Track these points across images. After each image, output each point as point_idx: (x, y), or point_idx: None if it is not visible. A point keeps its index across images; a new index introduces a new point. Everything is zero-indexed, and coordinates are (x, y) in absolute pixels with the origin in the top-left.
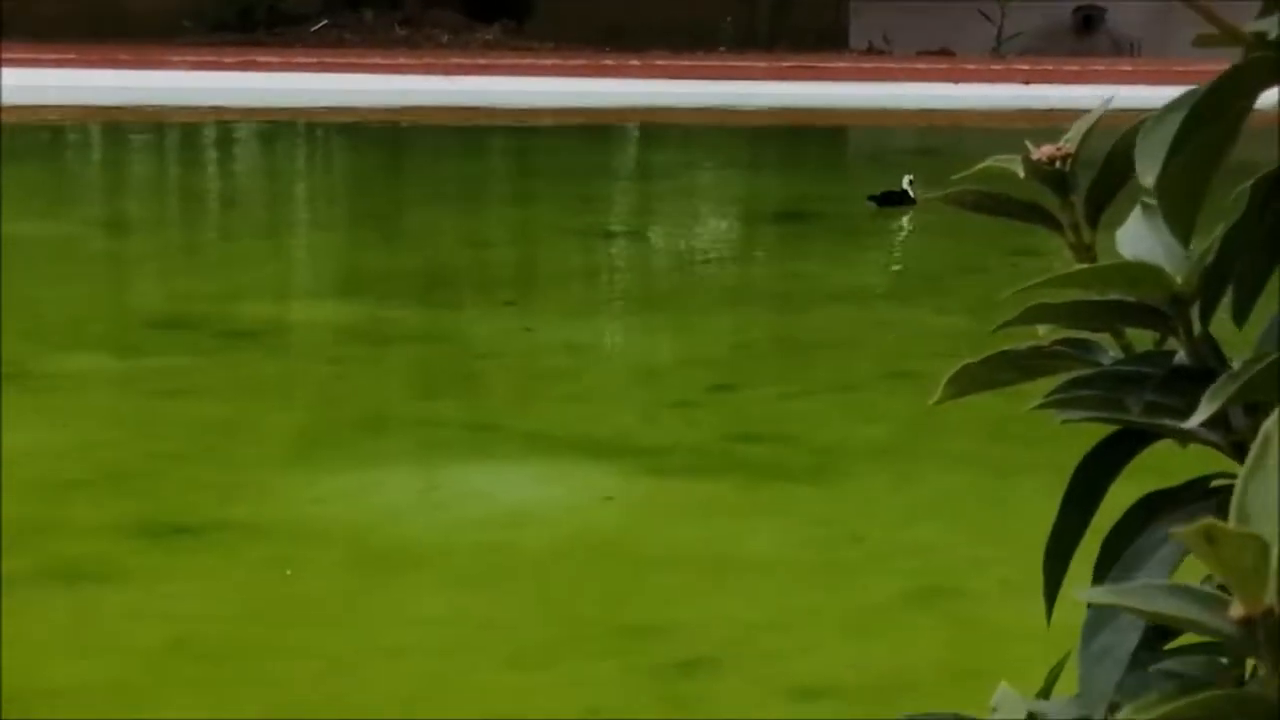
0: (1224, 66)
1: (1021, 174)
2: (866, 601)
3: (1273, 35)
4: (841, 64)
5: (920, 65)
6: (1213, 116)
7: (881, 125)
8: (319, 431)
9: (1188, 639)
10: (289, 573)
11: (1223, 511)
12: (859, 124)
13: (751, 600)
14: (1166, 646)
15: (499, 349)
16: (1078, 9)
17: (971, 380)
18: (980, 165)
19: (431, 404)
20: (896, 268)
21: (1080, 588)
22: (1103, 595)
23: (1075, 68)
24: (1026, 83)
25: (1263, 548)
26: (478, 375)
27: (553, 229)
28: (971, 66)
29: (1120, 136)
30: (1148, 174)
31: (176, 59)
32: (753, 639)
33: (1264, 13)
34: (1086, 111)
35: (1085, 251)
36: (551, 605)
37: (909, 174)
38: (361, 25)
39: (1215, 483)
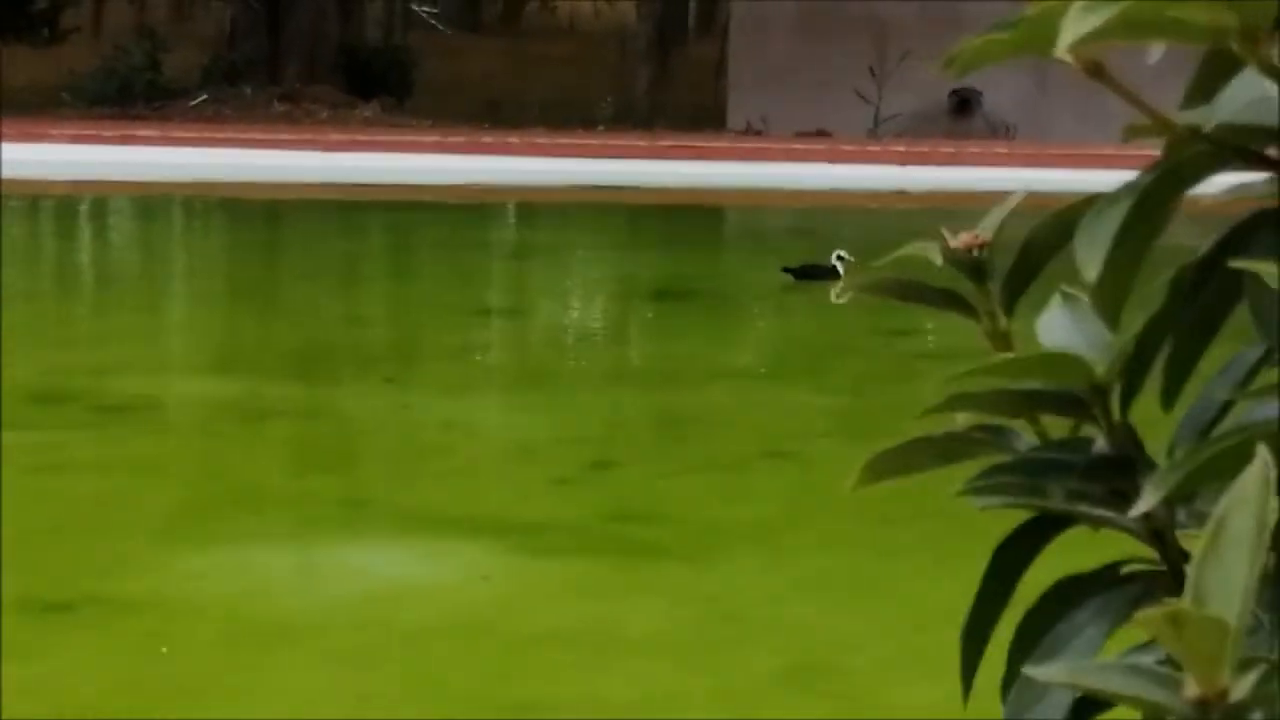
0: (1100, 151)
1: (939, 261)
2: (743, 680)
3: (1206, 128)
4: (720, 144)
5: (798, 146)
6: (1151, 210)
7: (759, 205)
8: (196, 507)
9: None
10: (165, 650)
11: (1145, 599)
12: (737, 204)
13: (629, 679)
14: None
15: (377, 425)
16: (953, 92)
17: (888, 465)
18: (897, 253)
19: (309, 480)
20: (774, 346)
21: (968, 671)
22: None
23: (951, 150)
24: (903, 164)
25: (1224, 630)
26: (355, 452)
27: (432, 306)
28: (848, 147)
29: (1036, 225)
30: (1090, 269)
31: (55, 132)
32: (630, 717)
33: (1187, 103)
34: (962, 193)
35: (1001, 339)
36: (429, 683)
37: (839, 249)
38: (241, 100)
39: (1125, 569)
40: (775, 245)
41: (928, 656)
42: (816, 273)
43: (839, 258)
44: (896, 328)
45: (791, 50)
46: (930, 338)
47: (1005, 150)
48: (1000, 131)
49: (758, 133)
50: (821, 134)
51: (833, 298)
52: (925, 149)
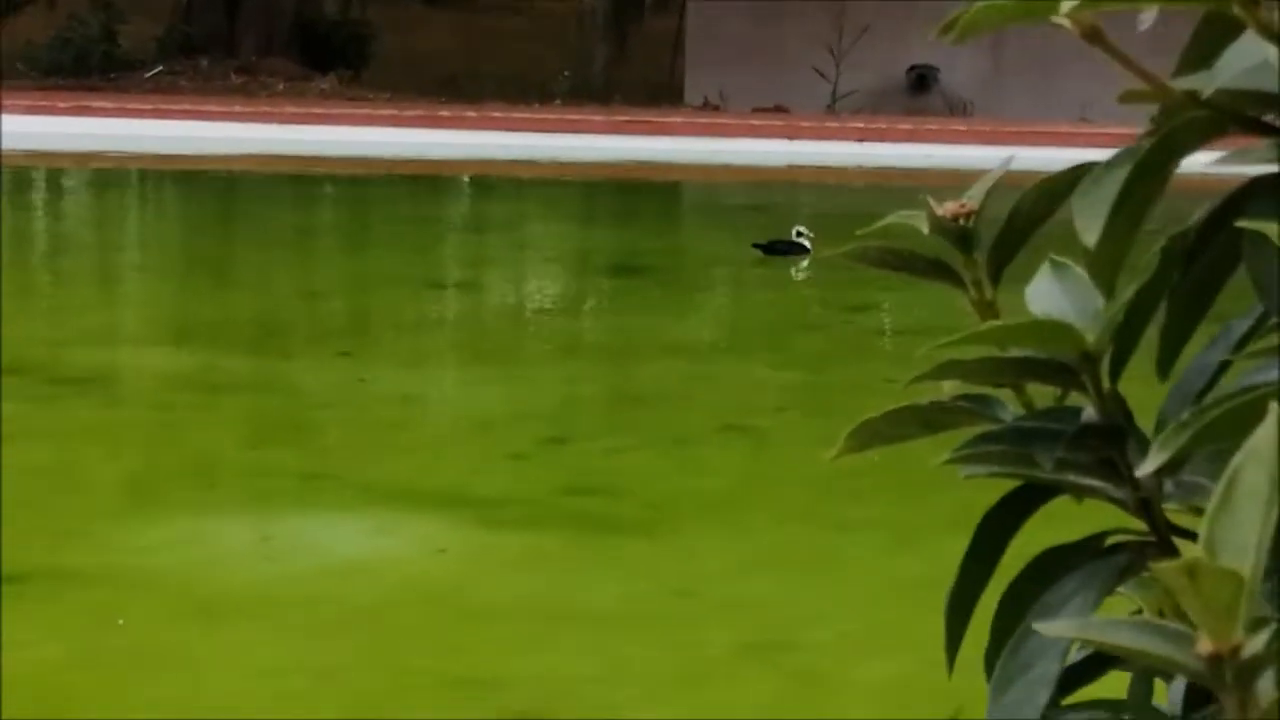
0: (1056, 129)
1: (925, 230)
2: (699, 655)
3: (1205, 94)
4: (677, 119)
5: (755, 121)
6: (1150, 176)
7: (716, 180)
8: (151, 480)
9: (1081, 696)
10: (121, 622)
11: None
12: (694, 179)
13: (584, 653)
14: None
15: (333, 399)
16: (911, 68)
17: (874, 434)
18: (883, 221)
19: (265, 453)
20: (731, 322)
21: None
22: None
23: (908, 126)
24: (860, 140)
25: (1239, 583)
26: (312, 425)
27: (388, 279)
28: (806, 124)
29: (1022, 195)
30: (1089, 234)
31: (10, 103)
32: (585, 692)
33: (1181, 69)
34: (920, 169)
35: (988, 308)
36: (384, 656)
37: (799, 225)
38: (197, 73)
39: (1110, 540)
40: (732, 220)
41: (886, 631)
42: (785, 248)
43: (798, 234)
44: (854, 303)
45: (749, 26)
46: (885, 314)
47: (962, 127)
48: (957, 108)
49: (715, 108)
50: (779, 110)
51: (793, 274)
52: (883, 125)
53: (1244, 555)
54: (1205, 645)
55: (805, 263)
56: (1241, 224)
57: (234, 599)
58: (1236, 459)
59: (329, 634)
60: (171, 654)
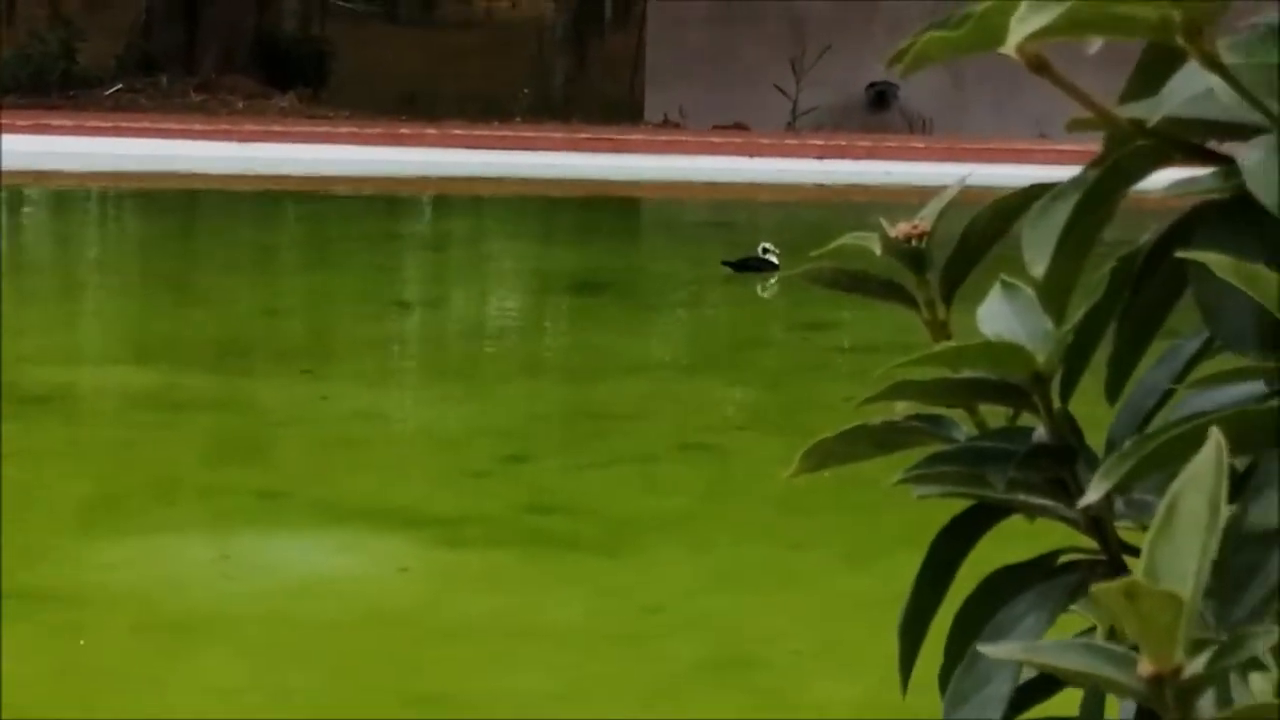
0: (1015, 145)
1: (878, 251)
2: (661, 672)
3: (1151, 122)
4: (637, 136)
5: (715, 139)
6: (1097, 206)
7: (676, 198)
8: (112, 498)
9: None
10: (83, 642)
11: (1083, 588)
12: (654, 196)
13: (547, 671)
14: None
15: (295, 417)
16: (871, 85)
17: (828, 454)
18: (836, 242)
19: (226, 472)
20: (692, 339)
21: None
22: (1011, 651)
23: (868, 143)
24: (820, 157)
25: (1178, 605)
26: (273, 443)
27: (349, 298)
28: (766, 141)
29: (975, 216)
30: (1037, 265)
31: None
32: (547, 710)
33: (1127, 96)
34: (880, 186)
35: (940, 328)
36: (346, 675)
37: (764, 243)
38: (157, 90)
39: (1065, 558)
40: (692, 238)
41: (846, 649)
42: (754, 265)
43: (764, 251)
44: (812, 321)
45: (709, 43)
46: (845, 332)
47: (922, 144)
48: (917, 125)
49: (675, 125)
50: (739, 127)
51: (760, 291)
52: (843, 142)
53: (1184, 579)
54: (1146, 667)
55: (773, 280)
56: (1181, 255)
57: (194, 618)
58: (1176, 484)
59: (289, 653)
60: (132, 673)
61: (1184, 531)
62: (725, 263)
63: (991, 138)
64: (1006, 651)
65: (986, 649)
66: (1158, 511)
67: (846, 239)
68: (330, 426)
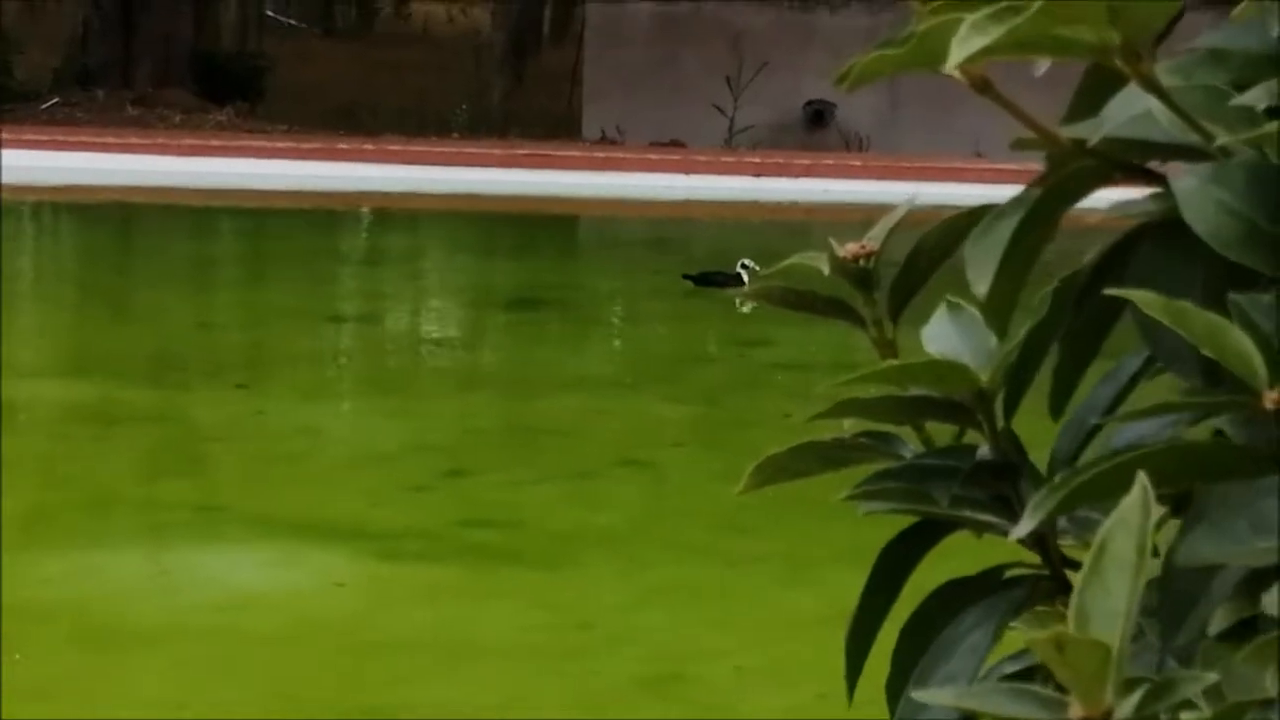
0: (952, 164)
1: (826, 271)
2: (597, 687)
3: (1091, 142)
4: (574, 153)
5: (652, 156)
6: (1038, 225)
7: (614, 215)
8: (47, 512)
9: None
10: (18, 656)
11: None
12: (591, 213)
13: (483, 685)
14: None
15: (230, 432)
16: (808, 104)
17: (778, 469)
18: (786, 262)
19: (161, 486)
20: (628, 356)
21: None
22: (941, 696)
23: (806, 161)
24: (757, 175)
25: (1105, 653)
26: (208, 457)
27: (286, 313)
28: (703, 158)
29: (924, 235)
30: (980, 283)
31: None
32: None
33: (1070, 117)
34: (816, 204)
35: (887, 347)
36: (283, 689)
37: (745, 259)
38: (93, 104)
39: (1010, 573)
40: (630, 254)
41: (781, 665)
42: (716, 280)
43: (744, 266)
44: (749, 338)
45: (647, 60)
46: (781, 349)
47: (859, 163)
48: (854, 144)
49: (613, 142)
50: (676, 144)
51: (737, 305)
52: (780, 160)
53: (1113, 622)
54: (1076, 711)
55: (731, 295)
56: (1111, 292)
57: (131, 632)
58: (1105, 527)
59: (226, 667)
60: (68, 687)
61: (1113, 574)
62: (686, 276)
63: (928, 156)
64: (939, 697)
65: (920, 695)
66: (1089, 553)
67: (796, 259)
68: (267, 441)
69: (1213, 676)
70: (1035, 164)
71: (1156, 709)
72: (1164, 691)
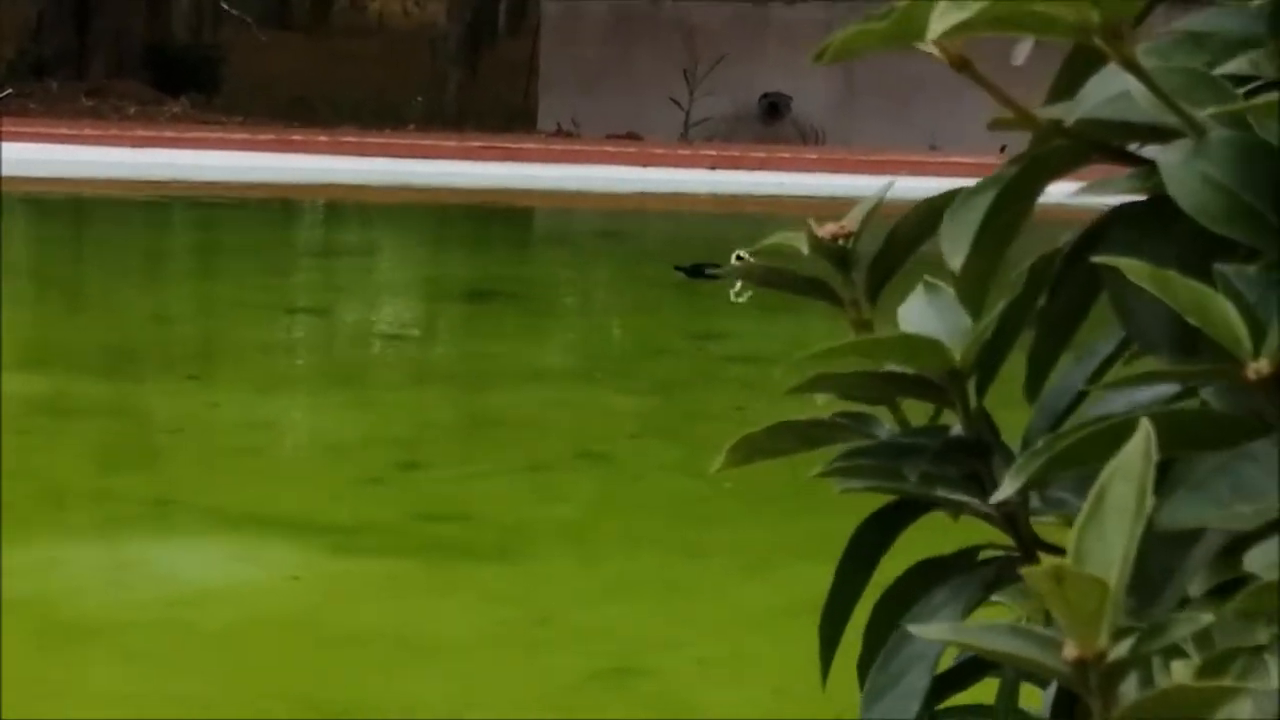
0: (907, 157)
1: (805, 250)
2: (555, 681)
3: (1069, 123)
4: (530, 145)
5: (608, 148)
6: (1014, 202)
7: (569, 207)
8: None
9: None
10: None
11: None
12: (547, 205)
13: (439, 678)
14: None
15: (184, 424)
16: (764, 96)
17: (754, 449)
18: (767, 241)
19: (113, 479)
20: (584, 348)
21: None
22: (943, 632)
23: (761, 154)
24: (713, 168)
25: (1104, 590)
26: (161, 450)
27: (239, 304)
28: (659, 151)
29: (901, 218)
30: (955, 257)
31: None
32: (440, 715)
33: (1051, 98)
34: (771, 197)
35: (864, 327)
36: (238, 683)
37: (739, 250)
38: (47, 95)
39: (984, 554)
40: (585, 246)
41: (741, 658)
42: (708, 272)
43: (739, 258)
44: (705, 331)
45: (603, 52)
46: (736, 342)
47: (814, 156)
48: (810, 136)
49: (568, 134)
50: (632, 136)
51: (733, 295)
52: (735, 153)
53: (1110, 566)
54: (1071, 650)
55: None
56: (1097, 260)
57: (85, 626)
58: (1105, 472)
59: (181, 660)
60: (23, 682)
61: (1112, 519)
62: (678, 268)
63: (883, 149)
64: (935, 632)
65: (916, 629)
66: (1088, 498)
67: (776, 238)
68: (221, 434)
69: (1208, 618)
70: (993, 158)
71: (1149, 650)
72: (1158, 634)
